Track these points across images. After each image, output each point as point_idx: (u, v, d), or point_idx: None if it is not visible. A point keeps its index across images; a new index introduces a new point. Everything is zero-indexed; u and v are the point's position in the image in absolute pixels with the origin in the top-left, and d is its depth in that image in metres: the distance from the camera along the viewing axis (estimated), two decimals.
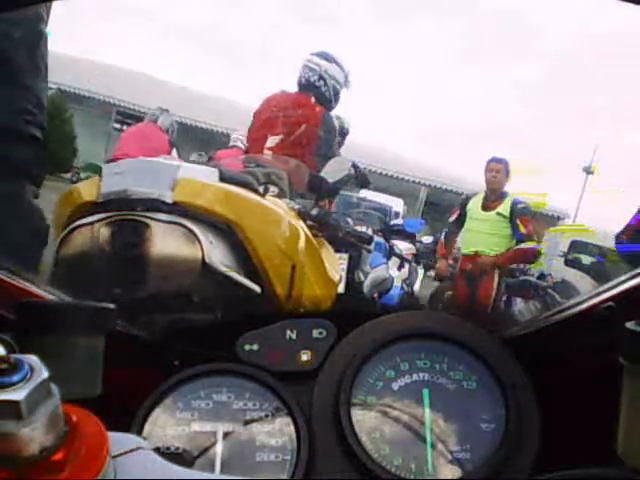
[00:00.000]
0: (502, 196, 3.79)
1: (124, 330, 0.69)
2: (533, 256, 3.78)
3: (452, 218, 4.06)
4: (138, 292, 1.15)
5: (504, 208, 3.73)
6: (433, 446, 0.64)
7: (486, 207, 3.81)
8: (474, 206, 3.87)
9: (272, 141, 2.44)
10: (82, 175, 3.19)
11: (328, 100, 2.53)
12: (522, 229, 3.65)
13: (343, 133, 3.37)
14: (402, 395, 0.68)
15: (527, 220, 3.69)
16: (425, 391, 0.68)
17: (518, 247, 3.67)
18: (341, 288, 1.94)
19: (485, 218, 3.77)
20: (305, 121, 2.43)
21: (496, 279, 3.76)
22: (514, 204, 3.72)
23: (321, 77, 2.51)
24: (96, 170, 3.20)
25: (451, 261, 4.93)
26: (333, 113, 2.60)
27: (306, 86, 2.53)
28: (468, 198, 3.99)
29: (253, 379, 0.69)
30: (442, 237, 4.19)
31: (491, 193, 3.82)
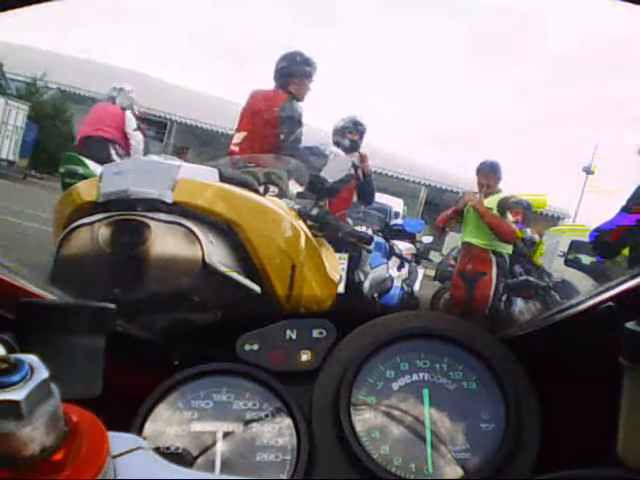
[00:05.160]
0: (496, 193, 3.82)
1: (124, 330, 0.69)
2: (511, 234, 3.74)
3: (448, 212, 4.03)
4: (138, 292, 1.15)
5: (494, 199, 3.75)
6: (433, 446, 0.64)
7: None
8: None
9: (237, 138, 2.50)
10: (61, 169, 3.11)
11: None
12: (511, 218, 3.69)
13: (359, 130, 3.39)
14: (402, 395, 0.68)
15: (517, 212, 3.74)
16: (425, 391, 0.68)
17: (506, 220, 3.69)
18: (341, 288, 1.94)
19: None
20: (268, 111, 2.47)
21: (494, 278, 3.76)
22: (506, 199, 3.75)
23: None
24: (75, 161, 3.17)
25: (452, 261, 4.90)
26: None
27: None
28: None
29: (253, 379, 0.69)
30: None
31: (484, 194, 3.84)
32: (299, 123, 2.46)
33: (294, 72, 2.53)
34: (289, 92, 2.52)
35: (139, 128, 4.06)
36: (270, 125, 2.43)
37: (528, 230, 4.55)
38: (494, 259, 3.81)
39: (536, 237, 4.71)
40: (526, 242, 4.55)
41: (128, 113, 3.96)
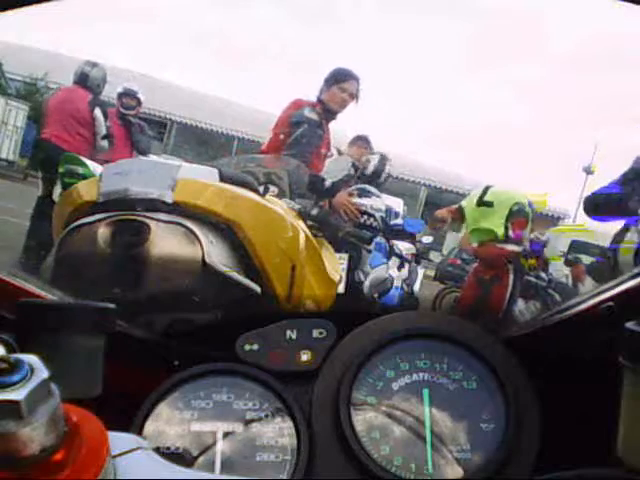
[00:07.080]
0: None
1: (124, 330, 0.69)
2: (501, 258, 3.59)
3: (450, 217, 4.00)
4: (138, 292, 1.15)
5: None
6: (433, 446, 0.64)
7: (480, 204, 3.75)
8: (469, 203, 3.84)
9: (267, 139, 2.50)
10: (61, 169, 3.03)
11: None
12: (510, 232, 3.57)
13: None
14: (402, 395, 0.68)
15: (519, 224, 3.60)
16: (425, 391, 0.68)
17: (499, 245, 3.61)
18: (341, 288, 1.94)
19: (479, 211, 3.72)
20: (284, 112, 2.47)
21: (511, 285, 3.66)
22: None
23: None
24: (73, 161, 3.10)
25: (459, 262, 4.88)
26: None
27: None
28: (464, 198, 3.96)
29: (253, 379, 0.69)
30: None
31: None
32: (302, 126, 2.41)
33: (330, 80, 2.51)
34: (320, 100, 2.50)
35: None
36: (278, 125, 2.43)
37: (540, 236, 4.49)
38: (511, 266, 3.71)
39: (542, 249, 4.66)
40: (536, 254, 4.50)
41: (97, 112, 3.54)
